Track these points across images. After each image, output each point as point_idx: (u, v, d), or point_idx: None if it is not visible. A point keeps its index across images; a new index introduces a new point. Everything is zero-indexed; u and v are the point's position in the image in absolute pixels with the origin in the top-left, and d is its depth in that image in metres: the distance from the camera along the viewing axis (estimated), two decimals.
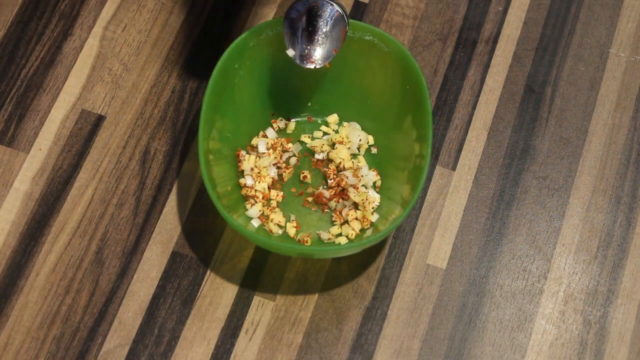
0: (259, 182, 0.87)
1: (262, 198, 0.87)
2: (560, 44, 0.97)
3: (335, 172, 0.89)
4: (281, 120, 0.91)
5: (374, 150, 0.90)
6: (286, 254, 0.87)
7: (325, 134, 0.91)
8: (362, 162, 0.89)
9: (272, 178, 0.88)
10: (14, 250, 0.87)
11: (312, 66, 0.84)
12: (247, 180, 0.88)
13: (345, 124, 0.91)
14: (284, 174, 0.89)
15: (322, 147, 0.90)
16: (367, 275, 0.87)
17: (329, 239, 0.86)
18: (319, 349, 0.85)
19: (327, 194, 0.88)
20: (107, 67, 0.94)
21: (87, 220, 0.88)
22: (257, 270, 0.87)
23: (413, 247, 0.88)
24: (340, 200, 0.88)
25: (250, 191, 0.87)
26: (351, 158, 0.89)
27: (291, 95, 0.91)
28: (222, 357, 0.84)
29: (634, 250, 0.89)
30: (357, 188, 0.88)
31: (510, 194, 0.91)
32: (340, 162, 0.89)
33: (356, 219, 0.86)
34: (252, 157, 0.89)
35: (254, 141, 0.90)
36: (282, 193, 0.88)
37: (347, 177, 0.88)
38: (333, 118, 0.91)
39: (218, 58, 0.86)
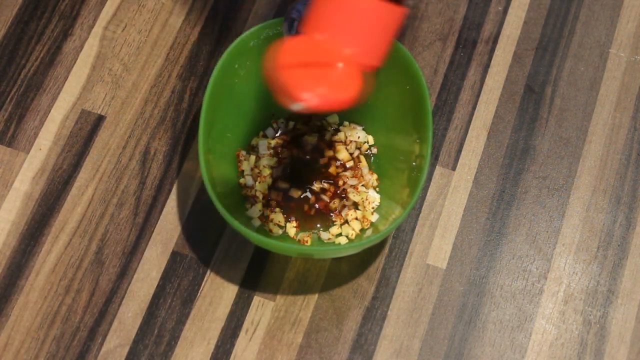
0: (259, 182, 0.87)
1: (262, 198, 0.87)
2: (560, 44, 0.97)
3: (335, 172, 0.89)
4: (281, 120, 0.91)
5: (374, 150, 0.90)
6: (286, 254, 0.87)
7: (325, 133, 0.91)
8: (362, 162, 0.89)
9: (272, 178, 0.88)
10: (14, 250, 0.87)
11: None
12: (247, 181, 0.88)
13: (345, 124, 0.91)
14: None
15: (322, 147, 0.90)
16: (367, 275, 0.87)
17: (329, 239, 0.86)
18: (319, 349, 0.85)
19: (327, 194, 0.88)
20: (107, 67, 0.94)
21: (87, 220, 0.88)
22: (257, 270, 0.87)
23: (413, 247, 0.88)
24: (341, 200, 0.88)
25: (251, 191, 0.87)
26: (351, 158, 0.89)
27: None
28: (222, 357, 0.84)
29: (634, 250, 0.89)
30: (357, 188, 0.88)
31: (510, 194, 0.91)
32: (340, 162, 0.89)
33: (356, 219, 0.86)
34: (252, 157, 0.89)
35: (254, 141, 0.90)
36: (282, 193, 0.88)
37: (347, 177, 0.88)
38: (333, 118, 0.91)
39: (218, 58, 0.86)
